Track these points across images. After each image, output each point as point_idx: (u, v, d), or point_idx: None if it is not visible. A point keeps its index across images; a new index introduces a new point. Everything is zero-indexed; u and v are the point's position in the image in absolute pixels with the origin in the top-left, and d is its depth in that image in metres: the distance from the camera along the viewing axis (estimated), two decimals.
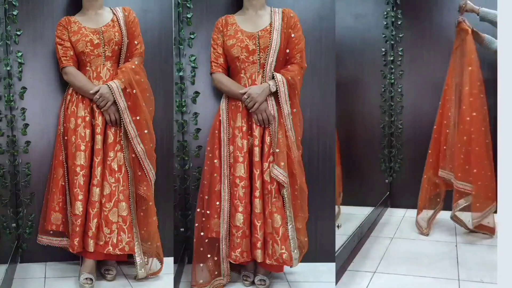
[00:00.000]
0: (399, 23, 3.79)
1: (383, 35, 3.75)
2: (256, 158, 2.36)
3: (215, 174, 2.42)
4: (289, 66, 2.42)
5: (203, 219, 2.44)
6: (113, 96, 2.42)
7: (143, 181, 2.51)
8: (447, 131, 3.20)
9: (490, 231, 3.09)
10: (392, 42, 3.79)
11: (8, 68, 2.56)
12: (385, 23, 3.75)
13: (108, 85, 2.42)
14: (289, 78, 2.37)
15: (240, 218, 2.36)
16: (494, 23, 3.01)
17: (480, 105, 3.02)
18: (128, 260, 2.60)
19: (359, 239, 2.94)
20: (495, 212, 3.07)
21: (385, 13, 3.75)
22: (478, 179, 2.99)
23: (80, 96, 2.49)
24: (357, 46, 3.37)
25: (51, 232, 2.57)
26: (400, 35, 3.81)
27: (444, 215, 3.70)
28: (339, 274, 2.48)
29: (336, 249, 2.46)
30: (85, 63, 2.50)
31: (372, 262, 2.74)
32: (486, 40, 3.15)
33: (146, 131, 2.48)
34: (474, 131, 3.00)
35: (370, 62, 3.70)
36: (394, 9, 3.78)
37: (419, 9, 3.76)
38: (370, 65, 3.70)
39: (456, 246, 3.02)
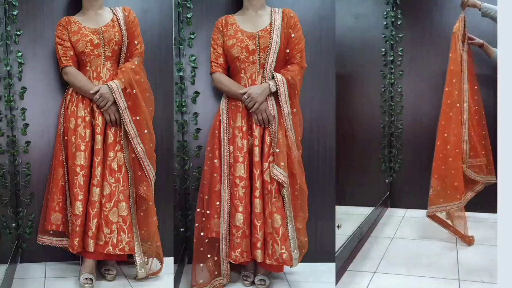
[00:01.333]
0: (399, 23, 3.79)
1: (383, 35, 3.75)
2: (256, 158, 2.36)
3: (215, 174, 2.42)
4: (289, 66, 2.42)
5: (203, 219, 2.44)
6: (113, 96, 2.42)
7: (143, 181, 2.51)
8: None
9: (462, 238, 3.04)
10: (392, 42, 3.78)
11: (8, 68, 2.56)
12: (385, 23, 3.75)
13: (108, 85, 2.42)
14: (289, 78, 2.37)
15: (240, 218, 2.36)
16: (495, 19, 3.02)
17: (452, 102, 3.07)
18: (128, 260, 2.60)
19: (359, 239, 2.94)
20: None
21: (385, 13, 3.75)
22: (435, 172, 3.08)
23: (80, 96, 2.49)
24: (357, 46, 3.37)
25: (51, 232, 2.57)
26: (400, 35, 3.81)
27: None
28: (339, 274, 2.48)
29: (336, 249, 2.46)
30: (85, 63, 2.50)
31: (372, 262, 2.74)
32: (495, 53, 3.19)
33: (146, 131, 2.48)
34: (440, 126, 3.10)
35: (370, 62, 3.70)
36: (394, 9, 3.77)
37: (419, 9, 3.75)
38: (370, 65, 3.70)
39: (456, 246, 3.02)
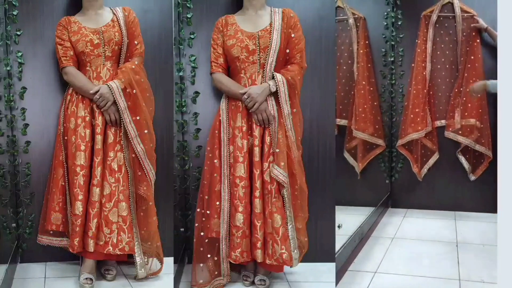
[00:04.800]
0: (399, 23, 3.79)
1: (383, 36, 3.75)
2: (256, 158, 2.36)
3: (215, 174, 2.42)
4: (289, 66, 2.42)
5: (203, 219, 2.44)
6: (113, 96, 2.42)
7: (143, 181, 2.51)
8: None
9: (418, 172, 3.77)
10: (393, 42, 3.78)
11: (8, 68, 2.56)
12: (385, 23, 3.75)
13: (108, 85, 2.42)
14: (289, 78, 2.37)
15: (240, 218, 2.36)
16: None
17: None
18: (128, 260, 2.60)
19: (360, 239, 2.93)
20: None
21: (385, 13, 3.75)
22: (402, 123, 3.81)
23: (80, 96, 2.49)
24: None
25: (51, 232, 2.57)
26: (401, 36, 3.81)
27: (444, 215, 3.71)
28: (339, 274, 2.48)
29: (337, 249, 2.46)
30: (85, 63, 2.50)
31: (372, 262, 2.74)
32: (491, 85, 3.38)
33: (146, 131, 2.48)
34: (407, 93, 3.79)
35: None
36: (394, 9, 3.77)
37: (420, 10, 3.75)
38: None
39: (456, 246, 3.02)
